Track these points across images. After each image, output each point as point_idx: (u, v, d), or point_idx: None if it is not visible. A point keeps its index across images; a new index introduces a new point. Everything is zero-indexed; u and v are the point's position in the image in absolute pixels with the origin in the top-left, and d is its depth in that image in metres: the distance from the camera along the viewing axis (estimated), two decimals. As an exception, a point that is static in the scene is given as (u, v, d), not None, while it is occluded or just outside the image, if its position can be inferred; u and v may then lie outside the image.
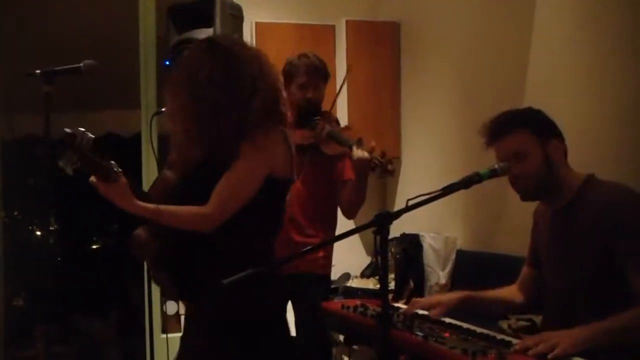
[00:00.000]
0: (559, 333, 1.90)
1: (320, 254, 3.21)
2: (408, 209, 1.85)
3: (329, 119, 3.25)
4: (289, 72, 3.22)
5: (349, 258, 4.74)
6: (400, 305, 2.51)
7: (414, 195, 1.89)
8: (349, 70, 4.19)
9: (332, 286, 4.10)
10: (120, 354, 6.03)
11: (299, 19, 4.90)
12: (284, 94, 2.40)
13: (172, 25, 3.81)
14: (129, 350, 5.72)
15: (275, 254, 2.35)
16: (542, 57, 3.54)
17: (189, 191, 2.23)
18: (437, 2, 4.60)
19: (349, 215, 3.27)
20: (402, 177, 4.95)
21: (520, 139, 2.22)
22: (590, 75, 3.24)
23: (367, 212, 2.86)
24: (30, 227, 6.95)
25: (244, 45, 2.38)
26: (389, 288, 4.12)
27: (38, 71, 2.33)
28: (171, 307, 4.55)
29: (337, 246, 2.94)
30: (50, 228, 5.94)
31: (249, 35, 4.57)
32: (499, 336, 2.01)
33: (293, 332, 3.07)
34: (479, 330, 2.10)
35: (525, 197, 2.29)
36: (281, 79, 2.45)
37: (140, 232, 2.27)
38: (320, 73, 3.25)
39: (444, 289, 4.10)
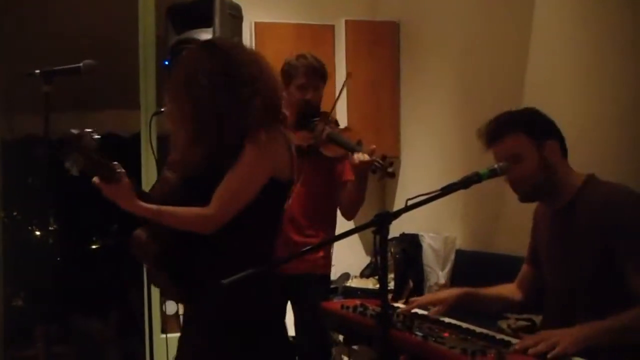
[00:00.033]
0: (559, 332, 1.90)
1: (320, 254, 3.21)
2: (407, 208, 1.85)
3: (328, 120, 3.24)
4: (288, 72, 3.21)
5: (348, 258, 4.75)
6: (400, 305, 2.50)
7: (414, 195, 1.90)
8: (348, 76, 4.17)
9: (332, 286, 4.10)
10: (119, 354, 6.01)
11: (299, 19, 4.90)
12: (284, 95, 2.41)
13: (171, 25, 3.81)
14: (128, 350, 5.71)
15: (275, 254, 2.35)
16: (542, 57, 3.54)
17: (189, 192, 2.23)
18: (437, 2, 4.60)
19: (348, 215, 3.26)
20: (402, 177, 4.95)
21: (515, 142, 2.21)
22: (589, 75, 3.24)
23: (366, 212, 2.86)
24: (29, 227, 6.93)
25: (243, 48, 2.38)
26: (389, 288, 4.12)
27: (38, 71, 2.33)
28: (171, 307, 4.55)
29: (337, 246, 2.94)
30: (50, 228, 5.95)
31: (248, 35, 4.57)
32: (499, 336, 2.01)
33: (293, 332, 3.08)
34: (478, 330, 2.10)
35: (524, 199, 2.29)
36: (281, 80, 2.45)
37: (140, 232, 2.28)
38: (319, 74, 3.24)
39: (443, 288, 4.09)
